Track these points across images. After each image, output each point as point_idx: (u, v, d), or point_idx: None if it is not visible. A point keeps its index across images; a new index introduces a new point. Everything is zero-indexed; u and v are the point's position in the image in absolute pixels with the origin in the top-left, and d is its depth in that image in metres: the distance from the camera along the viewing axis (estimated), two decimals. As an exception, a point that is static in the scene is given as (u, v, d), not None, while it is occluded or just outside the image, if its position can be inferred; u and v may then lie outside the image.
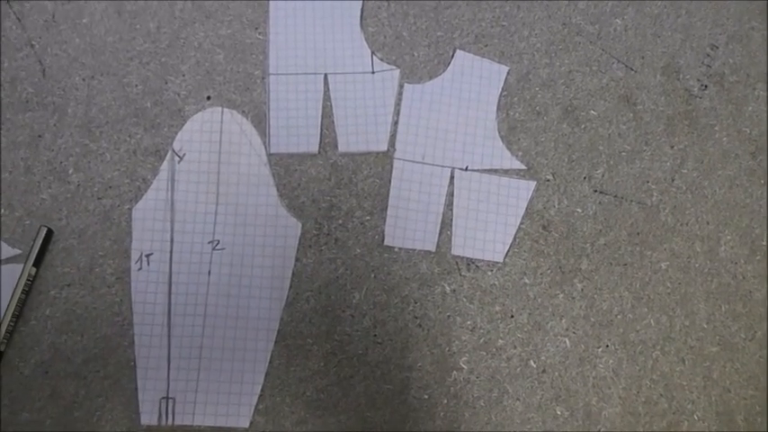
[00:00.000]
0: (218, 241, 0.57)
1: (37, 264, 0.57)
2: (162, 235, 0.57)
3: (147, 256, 0.56)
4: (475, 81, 0.63)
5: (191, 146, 0.58)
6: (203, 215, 0.57)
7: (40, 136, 0.59)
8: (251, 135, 0.59)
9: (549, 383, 0.57)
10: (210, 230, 0.57)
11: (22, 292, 0.55)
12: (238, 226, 0.58)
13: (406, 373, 0.57)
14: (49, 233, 0.57)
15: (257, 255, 0.57)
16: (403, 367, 0.57)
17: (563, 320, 0.58)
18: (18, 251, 0.56)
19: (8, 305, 0.55)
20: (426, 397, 0.56)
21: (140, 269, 0.56)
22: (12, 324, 0.55)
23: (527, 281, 0.59)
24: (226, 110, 0.59)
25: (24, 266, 0.56)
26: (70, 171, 0.59)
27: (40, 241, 0.57)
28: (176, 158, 0.58)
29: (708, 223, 0.62)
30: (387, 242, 0.59)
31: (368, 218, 0.59)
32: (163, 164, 0.58)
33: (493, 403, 0.56)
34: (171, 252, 0.57)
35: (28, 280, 0.56)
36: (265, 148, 0.60)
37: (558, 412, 0.57)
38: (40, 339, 0.55)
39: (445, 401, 0.56)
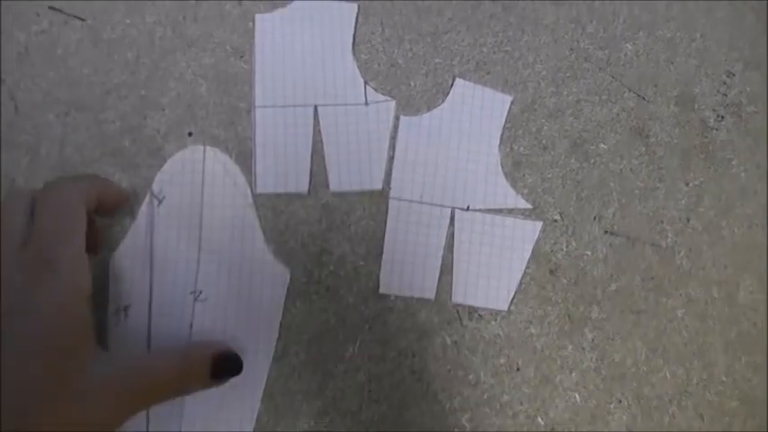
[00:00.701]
0: (201, 291, 0.51)
1: (5, 317, 0.50)
2: (141, 285, 0.51)
3: (125, 308, 0.50)
4: (476, 112, 0.56)
5: (171, 188, 0.52)
6: (185, 263, 0.51)
7: (13, 179, 0.53)
8: (235, 175, 0.52)
9: (558, 443, 0.51)
10: (192, 279, 0.51)
11: (-12, 349, 0.49)
12: (222, 274, 0.51)
13: (404, 431, 0.50)
14: (19, 283, 0.51)
15: (242, 305, 0.51)
16: (401, 425, 0.51)
17: (572, 374, 0.52)
18: (-15, 304, 0.50)
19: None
20: (425, 459, 0.50)
21: (118, 324, 0.50)
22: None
23: (533, 331, 0.53)
24: (208, 148, 0.53)
25: (-9, 321, 0.49)
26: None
27: (9, 292, 0.50)
28: (155, 201, 0.51)
29: (725, 267, 0.55)
30: (382, 290, 0.53)
31: (362, 263, 0.53)
32: (141, 207, 0.52)
33: (497, 466, 0.50)
34: (150, 304, 0.51)
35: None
36: (251, 188, 0.53)
37: (568, 475, 0.51)
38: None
39: (446, 464, 0.50)
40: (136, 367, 0.43)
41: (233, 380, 0.50)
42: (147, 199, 0.52)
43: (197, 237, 0.52)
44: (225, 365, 0.47)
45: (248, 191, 0.53)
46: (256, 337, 0.51)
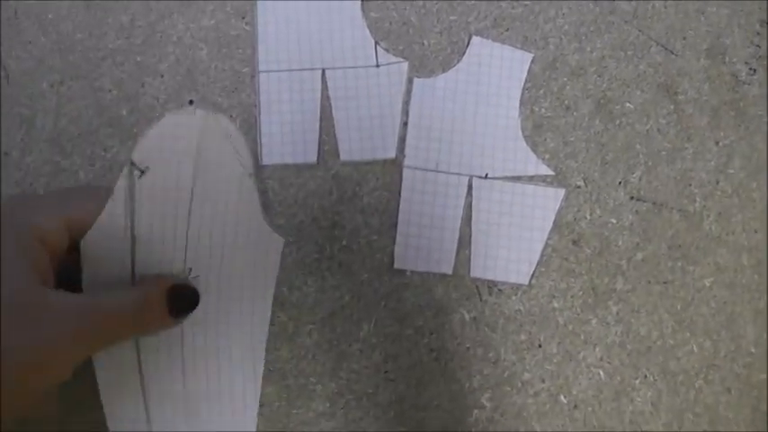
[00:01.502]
0: (191, 269, 0.36)
1: (6, 301, 0.36)
2: (120, 269, 0.34)
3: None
4: (494, 72, 0.41)
5: (157, 157, 0.34)
6: (172, 240, 0.35)
7: (7, 153, 0.38)
8: (237, 141, 0.35)
9: (582, 420, 0.38)
10: (181, 257, 0.35)
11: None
12: (215, 249, 0.35)
13: (422, 412, 0.37)
14: (19, 265, 0.36)
15: (235, 282, 0.36)
16: (418, 406, 0.37)
17: (596, 349, 0.38)
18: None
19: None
20: (444, 440, 0.37)
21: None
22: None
23: (556, 305, 0.38)
24: (208, 114, 0.34)
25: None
26: (41, 193, 0.38)
27: (9, 275, 0.36)
28: (136, 173, 0.33)
29: (756, 231, 0.40)
30: (397, 265, 0.38)
31: (375, 237, 0.38)
32: (118, 182, 0.34)
33: (518, 445, 0.37)
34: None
35: None
36: (257, 158, 0.38)
37: (592, 454, 0.37)
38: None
39: (465, 445, 0.37)
40: (93, 299, 0.30)
41: (231, 357, 0.36)
42: (125, 171, 0.34)
43: (186, 209, 0.35)
44: (181, 297, 0.33)
45: (250, 160, 0.35)
46: (251, 313, 0.36)
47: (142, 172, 0.33)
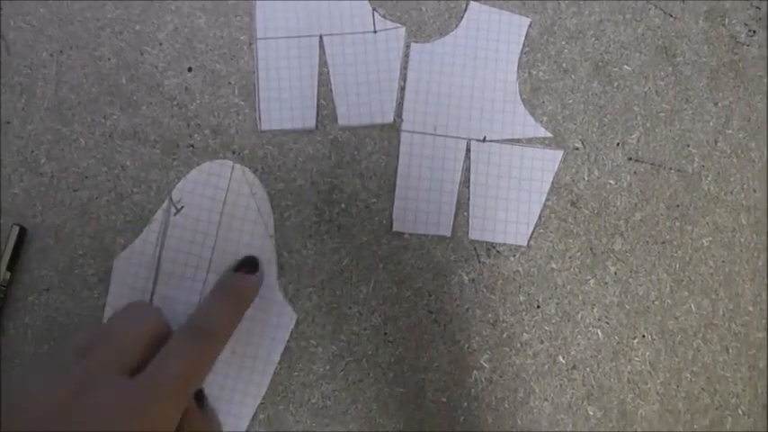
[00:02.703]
0: None
1: (11, 267, 0.36)
2: (141, 295, 0.35)
3: None
4: (492, 37, 0.39)
5: (191, 199, 0.36)
6: (190, 282, 0.35)
7: (8, 122, 0.37)
8: (262, 201, 0.36)
9: (580, 381, 0.36)
10: (195, 301, 0.35)
11: (-5, 301, 0.35)
12: None
13: (422, 374, 0.36)
14: (23, 232, 0.36)
15: (241, 341, 0.35)
16: (418, 368, 0.36)
17: (595, 309, 0.37)
18: (-12, 255, 0.35)
19: (-15, 313, 0.35)
20: (444, 400, 0.36)
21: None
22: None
23: (554, 266, 0.37)
24: (238, 166, 0.37)
25: (-4, 272, 0.35)
26: (42, 161, 0.37)
27: (13, 241, 0.36)
28: (173, 210, 0.35)
29: (754, 191, 0.38)
30: (396, 228, 0.37)
31: (374, 201, 0.37)
32: (156, 213, 0.36)
33: (518, 405, 0.36)
34: None
35: (2, 285, 0.35)
36: (257, 123, 0.37)
37: (591, 412, 0.36)
38: (21, 350, 0.35)
39: (465, 404, 0.36)
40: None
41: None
42: (164, 205, 0.36)
43: (208, 258, 0.36)
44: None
45: (272, 221, 0.36)
46: (248, 378, 0.36)
47: (178, 209, 0.34)
